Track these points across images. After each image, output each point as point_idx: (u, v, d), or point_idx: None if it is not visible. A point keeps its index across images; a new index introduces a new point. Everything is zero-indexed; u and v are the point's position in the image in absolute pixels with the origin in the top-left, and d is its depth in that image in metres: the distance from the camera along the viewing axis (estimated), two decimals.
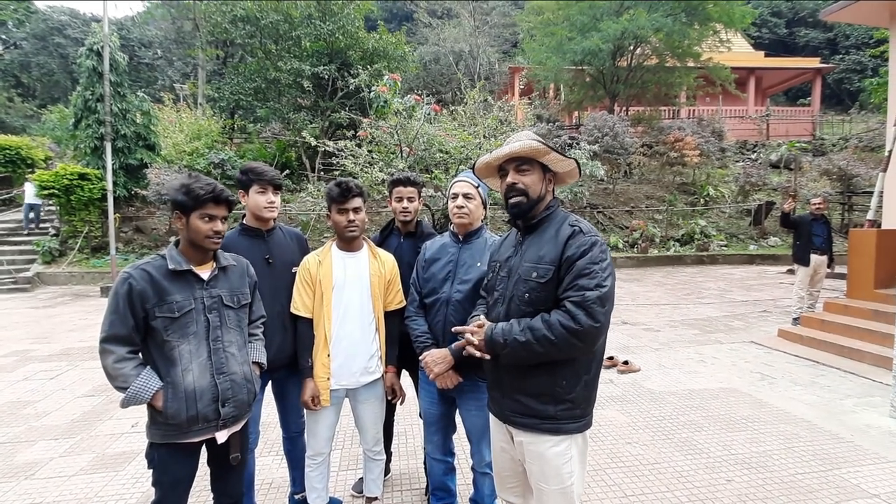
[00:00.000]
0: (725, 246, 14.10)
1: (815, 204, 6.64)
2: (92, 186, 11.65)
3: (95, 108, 11.79)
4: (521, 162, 1.61)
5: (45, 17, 29.55)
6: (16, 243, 12.23)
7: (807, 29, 32.68)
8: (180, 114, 16.40)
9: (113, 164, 11.35)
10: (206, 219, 1.73)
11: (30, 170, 14.17)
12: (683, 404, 3.96)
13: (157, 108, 15.05)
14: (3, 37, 30.61)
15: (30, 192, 12.52)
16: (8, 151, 14.90)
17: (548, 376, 1.50)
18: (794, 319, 6.39)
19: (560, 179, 1.71)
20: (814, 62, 23.80)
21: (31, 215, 12.90)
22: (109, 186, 10.87)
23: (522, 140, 1.60)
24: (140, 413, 1.70)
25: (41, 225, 13.09)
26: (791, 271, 10.45)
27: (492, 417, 1.74)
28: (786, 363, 5.05)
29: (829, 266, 6.56)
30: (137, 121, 12.54)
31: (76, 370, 4.98)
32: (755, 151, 19.19)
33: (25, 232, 12.79)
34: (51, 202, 12.57)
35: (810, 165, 16.46)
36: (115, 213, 11.19)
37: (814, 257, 6.44)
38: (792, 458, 3.07)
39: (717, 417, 3.69)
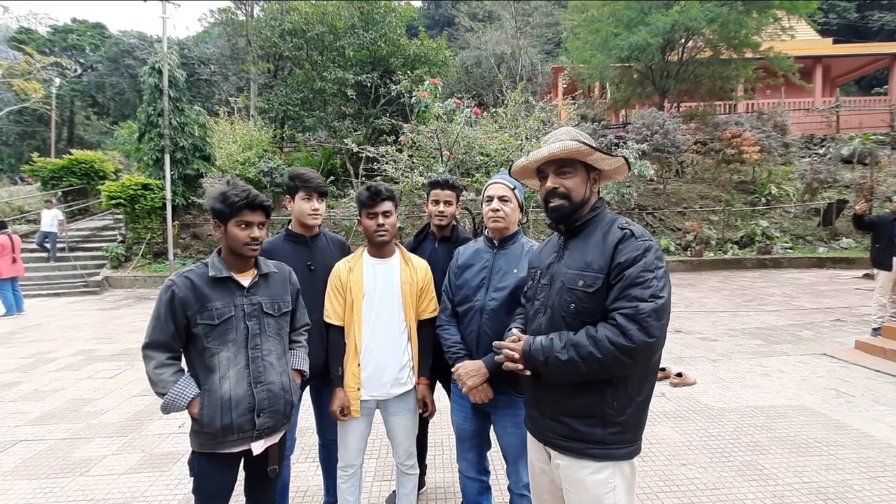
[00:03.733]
0: (791, 248, 13.06)
1: None
2: (154, 196, 12.39)
3: (157, 123, 12.55)
4: (561, 164, 1.46)
5: (116, 41, 32.07)
6: (88, 249, 13.22)
7: (881, 12, 29.96)
8: (234, 125, 17.27)
9: (172, 175, 12.09)
10: (243, 226, 1.72)
11: (102, 181, 15.28)
12: (745, 423, 3.62)
13: (213, 121, 15.92)
14: (81, 60, 33.53)
15: (46, 219, 12.04)
16: (83, 165, 16.24)
17: (597, 396, 1.35)
18: (875, 330, 5.80)
19: (606, 176, 1.55)
20: (890, 47, 21.69)
21: (47, 243, 12.20)
22: (168, 195, 11.56)
23: (563, 140, 1.44)
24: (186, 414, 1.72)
25: (58, 255, 12.23)
26: (869, 276, 9.53)
27: (529, 436, 1.61)
28: (866, 379, 4.54)
29: None
30: (195, 133, 13.24)
31: (132, 370, 5.24)
32: (823, 146, 17.76)
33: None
34: (118, 211, 13.50)
35: (888, 160, 15.03)
36: (173, 221, 11.90)
37: None
38: (876, 490, 2.71)
39: (786, 439, 3.34)
